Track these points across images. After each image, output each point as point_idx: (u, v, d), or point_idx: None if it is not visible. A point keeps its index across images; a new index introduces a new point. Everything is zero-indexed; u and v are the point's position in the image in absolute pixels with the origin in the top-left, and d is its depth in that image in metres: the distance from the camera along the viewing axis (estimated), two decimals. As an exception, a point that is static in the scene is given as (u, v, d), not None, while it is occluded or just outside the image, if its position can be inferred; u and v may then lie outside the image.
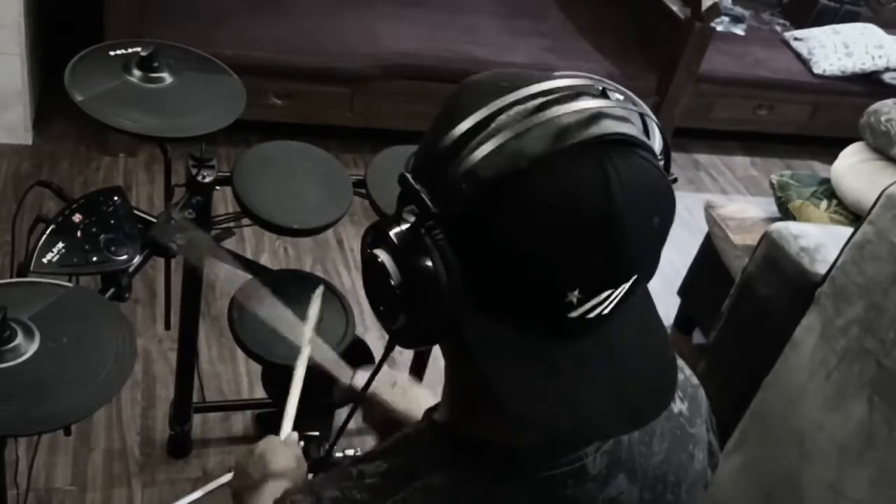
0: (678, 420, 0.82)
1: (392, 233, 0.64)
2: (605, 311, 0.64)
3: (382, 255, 0.65)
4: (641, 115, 0.68)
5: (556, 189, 0.61)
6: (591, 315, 0.63)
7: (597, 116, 0.62)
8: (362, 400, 1.01)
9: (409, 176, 0.64)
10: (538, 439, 0.72)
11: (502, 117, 0.62)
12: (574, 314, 0.63)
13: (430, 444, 0.75)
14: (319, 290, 1.33)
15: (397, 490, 0.70)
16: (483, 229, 0.62)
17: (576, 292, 0.62)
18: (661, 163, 0.67)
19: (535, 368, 0.65)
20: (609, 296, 0.63)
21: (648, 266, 0.67)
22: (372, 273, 0.67)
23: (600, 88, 0.66)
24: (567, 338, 0.65)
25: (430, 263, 0.62)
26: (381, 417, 1.11)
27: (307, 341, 1.20)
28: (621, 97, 0.68)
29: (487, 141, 0.61)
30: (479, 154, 0.61)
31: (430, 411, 0.79)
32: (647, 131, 0.68)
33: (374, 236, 0.67)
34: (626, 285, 0.64)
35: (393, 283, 0.64)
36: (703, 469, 0.85)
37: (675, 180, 0.69)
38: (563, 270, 0.62)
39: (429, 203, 0.62)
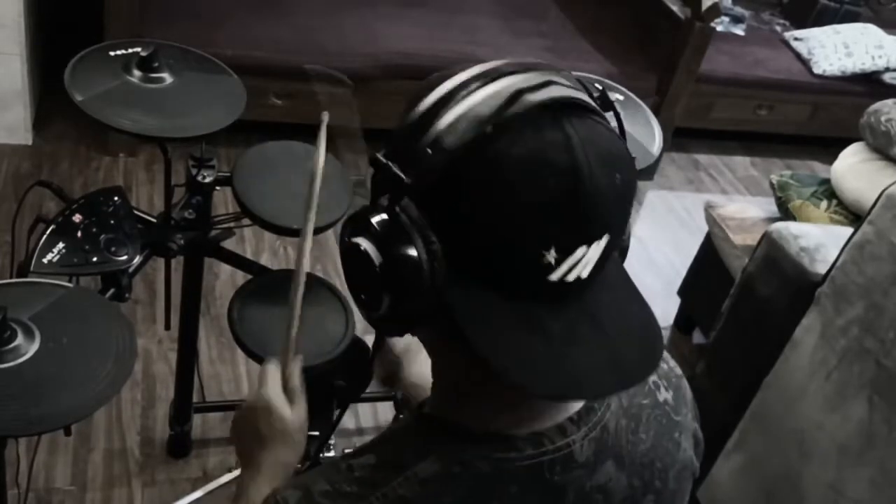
0: (663, 408, 0.83)
1: (371, 218, 0.66)
2: (584, 274, 0.66)
3: (363, 243, 0.67)
4: (586, 88, 0.71)
5: (521, 149, 0.63)
6: (571, 277, 0.65)
7: (548, 83, 0.66)
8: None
9: (378, 155, 0.66)
10: (525, 426, 0.72)
11: (462, 91, 0.66)
12: (554, 276, 0.65)
13: (418, 435, 0.75)
14: (324, 122, 1.28)
15: (386, 482, 0.71)
16: (454, 196, 0.64)
17: (552, 251, 0.64)
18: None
19: (522, 334, 0.66)
20: (584, 255, 0.65)
21: (618, 226, 0.69)
22: (353, 262, 0.69)
23: (551, 66, 0.70)
24: (550, 304, 0.66)
25: (409, 241, 0.64)
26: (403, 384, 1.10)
27: (316, 192, 1.13)
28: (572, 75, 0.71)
29: (449, 111, 0.65)
30: (443, 123, 0.65)
31: (420, 405, 0.80)
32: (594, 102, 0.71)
33: (352, 226, 0.68)
34: (600, 244, 0.66)
35: (375, 265, 0.66)
36: (689, 457, 0.86)
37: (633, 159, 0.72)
38: (536, 230, 0.64)
39: (400, 174, 0.64)
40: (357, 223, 0.68)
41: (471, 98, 0.65)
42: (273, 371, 1.00)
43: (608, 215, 0.66)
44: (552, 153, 0.63)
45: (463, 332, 0.65)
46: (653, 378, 0.84)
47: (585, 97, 0.68)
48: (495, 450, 0.72)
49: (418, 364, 1.10)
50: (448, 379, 0.77)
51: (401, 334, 0.72)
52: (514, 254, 0.64)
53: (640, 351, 0.71)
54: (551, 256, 0.64)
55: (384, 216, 0.66)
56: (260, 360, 1.63)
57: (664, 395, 0.84)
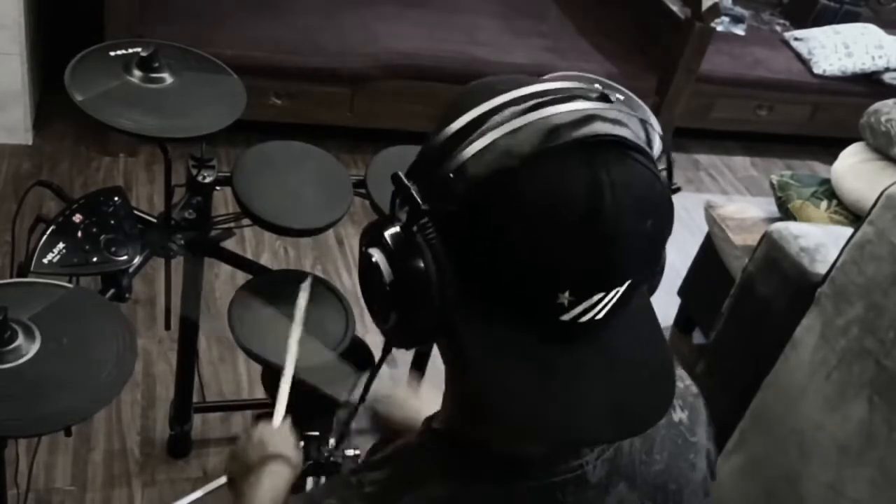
0: (678, 429, 0.82)
1: (385, 232, 0.64)
2: (599, 316, 0.63)
3: (376, 255, 0.65)
4: (643, 123, 0.67)
5: (544, 187, 0.60)
6: (584, 319, 0.63)
7: (589, 118, 0.62)
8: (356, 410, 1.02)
9: (400, 174, 0.64)
10: (536, 447, 0.71)
11: (495, 117, 0.63)
12: (566, 317, 0.62)
13: (429, 452, 0.75)
14: (307, 283, 1.33)
15: (396, 499, 0.70)
16: (472, 227, 0.62)
17: (566, 294, 0.61)
18: (663, 171, 0.67)
19: (527, 372, 0.64)
20: (601, 299, 0.63)
21: (643, 271, 0.66)
22: (366, 272, 0.67)
23: (599, 92, 0.66)
24: (561, 342, 0.64)
25: (421, 263, 0.62)
26: (384, 427, 1.11)
27: (295, 334, 1.21)
28: (621, 99, 0.67)
29: (479, 139, 0.61)
30: (470, 152, 0.61)
31: (429, 420, 0.79)
32: (648, 139, 0.68)
33: (369, 236, 0.67)
34: (620, 290, 0.63)
35: (385, 281, 0.65)
36: (703, 478, 0.85)
37: (677, 189, 0.69)
38: (551, 271, 0.61)
39: (419, 200, 0.62)
40: (373, 234, 0.66)
41: (502, 128, 0.61)
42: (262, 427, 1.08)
43: (631, 262, 0.63)
44: (577, 198, 0.60)
45: (464, 362, 0.64)
46: None
47: (629, 133, 0.64)
48: (506, 470, 0.71)
49: (404, 412, 1.10)
50: (459, 397, 0.75)
51: (411, 347, 0.70)
52: (526, 292, 0.62)
53: (648, 397, 0.68)
54: (565, 299, 0.61)
55: (399, 232, 0.64)
56: (260, 360, 1.63)
57: (679, 415, 0.83)
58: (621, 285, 0.63)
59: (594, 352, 0.65)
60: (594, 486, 0.73)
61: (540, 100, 0.63)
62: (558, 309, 0.62)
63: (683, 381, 0.86)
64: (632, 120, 0.66)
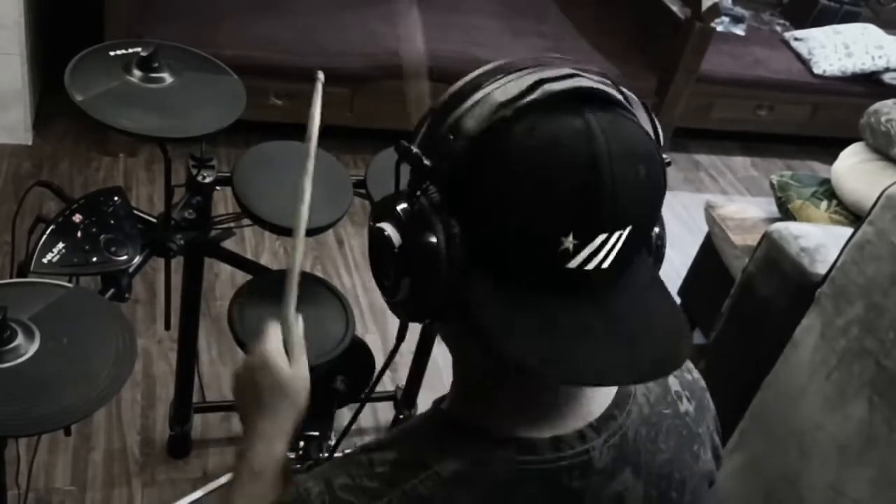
0: (684, 419, 0.83)
1: (393, 204, 0.67)
2: (605, 265, 0.65)
3: (386, 227, 0.68)
4: (623, 94, 0.70)
5: (539, 133, 0.63)
6: (590, 266, 0.64)
7: (573, 75, 0.66)
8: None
9: (403, 141, 0.67)
10: (546, 430, 0.72)
11: (486, 81, 0.67)
12: (572, 264, 0.64)
13: (439, 434, 0.75)
14: (320, 81, 1.26)
15: (407, 478, 0.71)
16: (474, 181, 0.64)
17: (570, 237, 0.63)
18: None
19: (540, 324, 0.66)
20: (604, 242, 0.64)
21: (642, 219, 0.68)
22: (376, 246, 0.70)
23: (586, 68, 0.70)
24: (570, 296, 0.66)
25: (428, 225, 0.65)
26: None
27: (311, 154, 1.15)
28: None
29: (471, 96, 0.66)
30: (464, 108, 0.65)
31: (438, 401, 0.80)
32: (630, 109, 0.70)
33: (378, 211, 0.70)
34: (622, 234, 0.65)
35: (395, 249, 0.67)
36: (708, 470, 0.86)
37: (669, 163, 0.70)
38: (553, 213, 0.63)
39: (422, 158, 0.65)
40: (383, 208, 0.69)
41: (492, 85, 0.66)
42: (273, 330, 0.99)
43: (629, 206, 0.65)
44: (571, 140, 0.63)
45: (477, 320, 0.65)
46: (675, 388, 0.83)
47: (612, 91, 0.67)
48: (515, 453, 0.72)
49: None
50: (468, 379, 0.77)
51: (419, 321, 0.72)
52: (531, 238, 0.64)
53: (660, 350, 0.69)
54: (569, 243, 0.63)
55: (406, 200, 0.67)
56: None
57: (686, 406, 0.83)
58: (622, 229, 0.65)
59: (599, 307, 0.67)
60: (599, 472, 0.74)
61: (527, 65, 0.68)
62: (564, 256, 0.63)
63: (692, 373, 0.87)
64: (608, 81, 0.69)
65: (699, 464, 0.84)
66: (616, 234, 0.64)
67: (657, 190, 0.68)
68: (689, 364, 0.86)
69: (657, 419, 0.79)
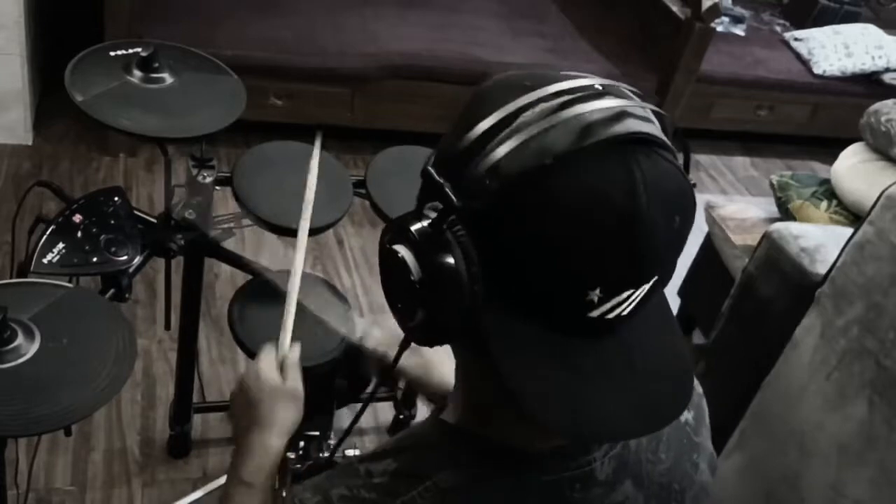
0: (685, 429, 0.82)
1: (413, 228, 0.64)
2: (625, 312, 0.64)
3: (403, 251, 0.64)
4: (658, 114, 0.67)
5: (581, 186, 0.60)
6: (611, 315, 0.63)
7: (621, 115, 0.62)
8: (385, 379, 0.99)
9: (432, 170, 0.64)
10: (549, 443, 0.72)
11: (527, 114, 0.62)
12: (594, 314, 0.63)
13: (439, 444, 0.74)
14: (318, 138, 1.29)
15: (406, 490, 0.70)
16: (506, 225, 0.61)
17: (597, 291, 0.62)
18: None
19: (552, 368, 0.64)
20: (630, 296, 0.63)
21: (669, 267, 0.66)
22: (391, 269, 0.66)
23: (623, 87, 0.67)
24: (586, 338, 0.64)
25: (451, 259, 0.62)
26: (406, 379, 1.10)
27: (309, 202, 1.17)
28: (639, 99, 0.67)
29: (512, 137, 0.61)
30: (504, 150, 0.61)
31: (437, 411, 0.79)
32: (665, 132, 0.68)
33: (395, 232, 0.66)
34: (647, 286, 0.64)
35: (413, 278, 0.64)
36: (707, 479, 0.85)
37: (693, 185, 0.69)
38: (585, 269, 0.61)
39: (452, 197, 0.62)
40: (400, 230, 0.65)
41: (535, 126, 0.61)
42: (268, 350, 1.02)
43: (661, 259, 0.64)
44: (614, 197, 0.60)
45: (493, 360, 0.64)
46: None
47: (656, 130, 0.64)
48: (517, 464, 0.71)
49: (439, 371, 1.08)
50: (473, 393, 0.75)
51: (431, 346, 0.70)
52: (558, 290, 0.62)
53: (671, 387, 0.69)
54: (595, 296, 0.62)
55: (429, 229, 0.63)
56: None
57: (686, 415, 0.83)
58: (649, 282, 0.64)
59: (617, 348, 0.66)
60: (601, 483, 0.73)
61: (570, 97, 0.63)
62: (587, 306, 0.62)
63: None
64: (652, 116, 0.66)
65: (698, 473, 0.83)
66: (642, 288, 0.64)
67: (686, 235, 0.67)
68: None
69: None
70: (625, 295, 0.63)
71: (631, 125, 0.62)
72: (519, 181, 0.60)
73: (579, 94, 0.63)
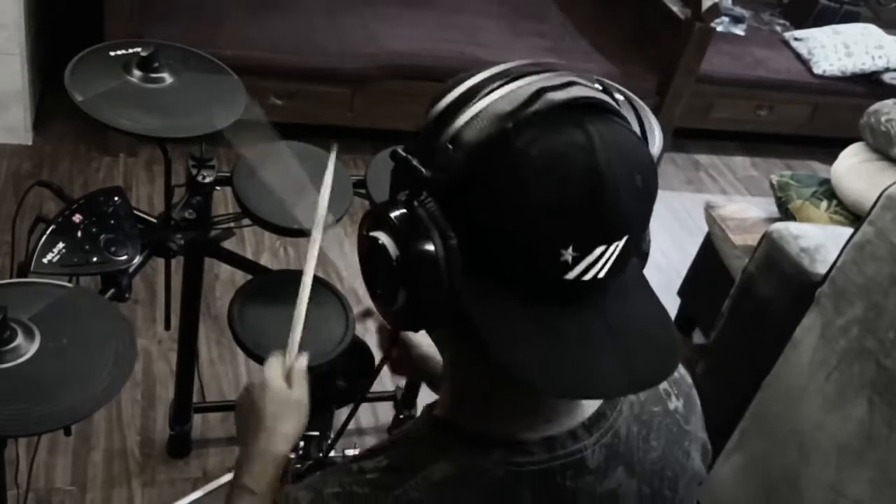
0: (674, 416, 0.83)
1: (389, 213, 0.66)
2: (601, 274, 0.65)
3: (380, 236, 0.67)
4: (635, 110, 0.71)
5: (542, 145, 0.63)
6: (587, 277, 0.65)
7: (572, 83, 0.66)
8: (362, 396, 1.00)
9: (398, 149, 0.66)
10: (538, 432, 0.72)
11: (484, 89, 0.66)
12: (570, 275, 0.64)
13: (431, 438, 0.75)
14: (333, 152, 1.30)
15: (398, 484, 0.71)
16: (474, 192, 0.64)
17: (570, 249, 0.63)
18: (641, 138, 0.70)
19: (536, 335, 0.66)
20: (602, 253, 0.64)
21: (637, 228, 0.68)
22: (370, 256, 0.68)
23: (578, 74, 0.70)
24: (565, 305, 0.66)
25: (426, 235, 0.64)
26: (409, 359, 1.10)
27: (321, 217, 1.15)
28: (620, 99, 0.70)
29: (471, 107, 0.65)
30: (463, 119, 0.64)
31: (430, 407, 0.79)
32: (642, 128, 0.71)
33: (371, 219, 0.69)
34: (619, 244, 0.65)
35: (392, 260, 0.66)
36: (698, 467, 0.86)
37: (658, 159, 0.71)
38: (555, 226, 0.63)
39: (421, 169, 0.64)
40: (376, 217, 0.68)
41: (492, 95, 0.65)
42: (274, 359, 1.03)
43: (628, 216, 0.65)
44: (573, 152, 0.63)
45: (477, 330, 0.65)
46: (664, 386, 0.84)
47: (608, 98, 0.68)
48: (508, 454, 0.72)
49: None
50: (461, 383, 0.76)
51: (415, 330, 0.72)
52: (532, 251, 0.64)
53: (655, 356, 0.70)
54: (568, 255, 0.63)
55: (403, 210, 0.65)
56: (260, 360, 1.63)
57: (675, 403, 0.84)
58: (619, 239, 0.65)
59: (597, 314, 0.67)
60: (593, 471, 0.74)
61: (524, 72, 0.67)
62: (562, 267, 0.64)
63: (679, 370, 0.87)
64: (601, 88, 0.69)
65: (689, 461, 0.84)
66: (614, 245, 0.65)
67: (652, 198, 0.69)
68: None
69: (648, 417, 0.80)
70: (597, 252, 0.64)
71: (580, 91, 0.66)
72: (481, 147, 0.64)
73: (534, 69, 0.68)
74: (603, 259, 0.65)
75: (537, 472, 0.72)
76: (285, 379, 1.02)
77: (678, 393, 0.85)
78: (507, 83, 0.66)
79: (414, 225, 0.65)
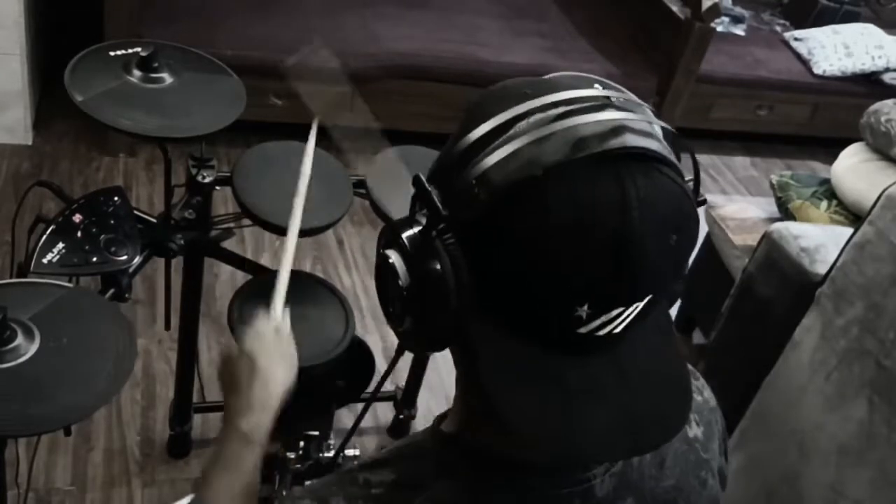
0: (693, 445, 0.81)
1: (403, 235, 0.63)
2: (617, 330, 0.62)
3: (393, 257, 0.64)
4: (668, 132, 0.66)
5: (570, 200, 0.59)
6: (602, 332, 0.62)
7: (619, 129, 0.60)
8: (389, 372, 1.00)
9: (422, 177, 0.63)
10: (545, 457, 0.71)
11: (521, 124, 0.61)
12: (583, 330, 0.61)
13: (437, 455, 0.74)
14: (314, 128, 1.30)
15: (404, 501, 0.69)
16: (493, 236, 0.60)
17: (585, 307, 0.60)
18: (690, 184, 0.66)
19: (540, 384, 0.63)
20: (620, 314, 0.62)
21: (664, 286, 0.65)
22: (383, 274, 0.66)
23: (628, 99, 0.65)
24: (576, 355, 0.63)
25: (438, 268, 0.61)
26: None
27: (302, 190, 1.21)
28: (646, 110, 0.66)
29: (503, 146, 0.60)
30: (494, 159, 0.60)
31: (438, 420, 0.78)
32: (674, 148, 0.66)
33: (388, 237, 0.65)
34: (640, 305, 0.62)
35: (401, 284, 0.63)
36: (715, 495, 0.84)
37: (703, 202, 0.68)
38: (572, 283, 0.60)
39: (439, 206, 0.61)
40: (391, 235, 0.65)
41: (528, 136, 0.59)
42: (262, 317, 1.08)
43: (654, 278, 0.62)
44: (603, 213, 0.58)
45: (478, 375, 0.63)
46: None
47: (658, 146, 0.62)
48: (515, 476, 0.70)
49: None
50: (470, 403, 0.75)
51: (423, 352, 0.71)
52: (544, 304, 0.61)
53: (664, 412, 0.67)
54: (583, 311, 0.60)
55: (418, 236, 0.62)
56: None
57: (694, 430, 0.82)
58: (641, 301, 0.62)
59: (608, 365, 0.64)
60: (601, 500, 0.72)
61: (568, 108, 0.61)
62: (576, 322, 0.61)
63: (702, 393, 0.84)
64: (656, 129, 0.64)
65: (705, 490, 0.82)
66: (633, 307, 0.62)
67: (686, 254, 0.65)
68: (699, 383, 0.84)
69: (663, 446, 0.76)
70: (614, 313, 0.61)
71: (628, 140, 0.60)
72: (507, 192, 0.59)
73: (578, 106, 0.61)
74: (620, 318, 0.62)
75: (543, 499, 0.70)
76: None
77: (699, 420, 0.82)
78: (548, 123, 0.60)
79: (427, 255, 0.61)
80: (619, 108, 0.62)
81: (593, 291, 0.60)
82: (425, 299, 0.62)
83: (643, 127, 0.62)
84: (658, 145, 0.62)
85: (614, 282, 0.60)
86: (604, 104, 0.62)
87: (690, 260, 0.69)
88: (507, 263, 0.61)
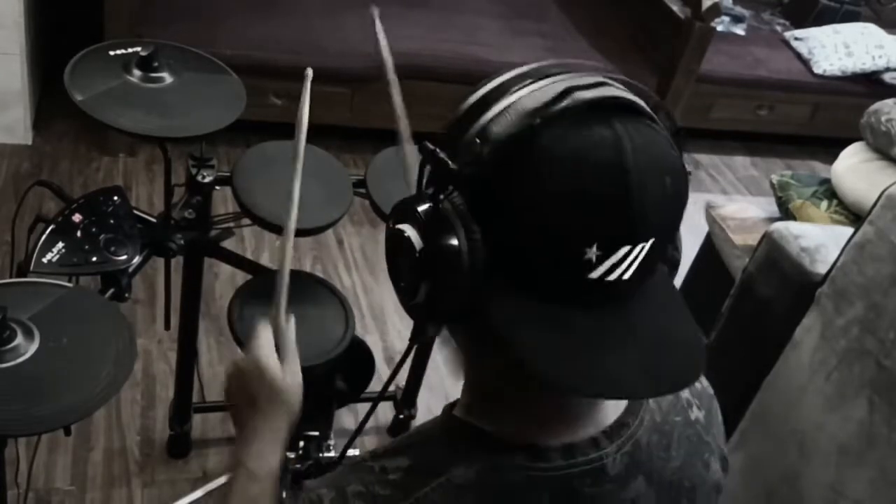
0: (695, 427, 0.83)
1: (415, 206, 0.66)
2: (626, 276, 0.64)
3: (406, 228, 0.66)
4: (654, 106, 0.69)
5: (568, 142, 0.63)
6: (612, 277, 0.64)
7: (600, 84, 0.66)
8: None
9: (427, 142, 0.66)
10: (559, 438, 0.72)
11: (514, 87, 0.66)
12: (594, 274, 0.63)
13: (451, 441, 0.75)
14: (308, 78, 1.27)
15: (420, 486, 0.71)
16: (499, 187, 0.63)
17: (594, 248, 0.62)
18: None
19: (558, 334, 0.65)
20: (627, 254, 0.63)
21: (665, 231, 0.67)
22: (395, 248, 0.68)
23: (611, 76, 0.69)
24: (589, 306, 0.65)
25: (451, 229, 0.63)
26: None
27: (299, 170, 1.12)
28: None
29: (498, 103, 0.65)
30: (491, 114, 0.65)
31: (450, 407, 0.79)
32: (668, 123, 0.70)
33: (398, 212, 0.68)
34: (644, 246, 0.64)
35: (416, 252, 0.66)
36: (717, 478, 0.85)
37: (689, 173, 0.70)
38: (578, 223, 0.62)
39: (448, 161, 0.64)
40: (403, 210, 0.68)
41: (520, 92, 0.65)
42: (264, 332, 1.00)
43: (654, 218, 0.64)
44: (600, 149, 0.62)
45: (497, 330, 0.65)
46: (686, 395, 0.83)
47: (639, 100, 0.67)
48: (527, 459, 0.71)
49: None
50: (481, 385, 0.76)
51: (437, 328, 0.71)
52: (555, 248, 0.63)
53: (677, 362, 0.69)
54: (592, 253, 0.62)
55: (429, 204, 0.65)
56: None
57: (696, 413, 0.83)
58: (646, 241, 0.64)
59: (621, 321, 0.66)
60: (613, 479, 0.74)
61: (559, 71, 0.67)
62: (586, 266, 0.63)
63: (701, 381, 0.86)
64: (633, 91, 0.68)
65: (709, 472, 0.83)
66: (639, 247, 0.64)
67: (681, 203, 0.68)
68: None
69: (669, 427, 0.79)
70: (622, 252, 0.63)
71: (610, 91, 0.65)
72: (507, 143, 0.63)
73: (567, 71, 0.67)
74: (628, 260, 0.64)
75: (556, 479, 0.71)
76: (275, 350, 0.99)
77: (700, 404, 0.84)
78: (535, 80, 0.66)
79: (439, 218, 0.64)
80: (600, 73, 0.68)
81: (598, 228, 0.63)
82: (440, 262, 0.64)
83: (624, 87, 0.67)
84: (641, 102, 0.67)
85: (617, 216, 0.63)
86: (584, 69, 0.68)
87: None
88: (513, 212, 0.63)
